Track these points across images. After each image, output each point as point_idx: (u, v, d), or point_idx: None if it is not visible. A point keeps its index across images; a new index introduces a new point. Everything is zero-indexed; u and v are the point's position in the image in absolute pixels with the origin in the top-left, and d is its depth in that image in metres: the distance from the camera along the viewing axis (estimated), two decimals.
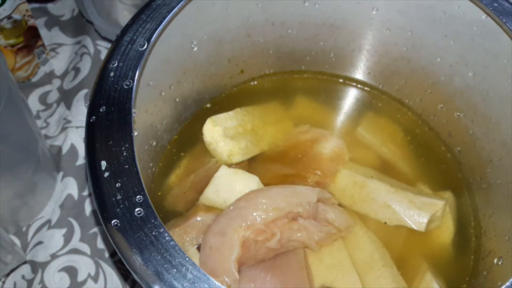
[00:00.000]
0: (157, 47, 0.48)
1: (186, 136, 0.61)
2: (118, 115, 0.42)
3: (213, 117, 0.57)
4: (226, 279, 0.44)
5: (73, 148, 0.68)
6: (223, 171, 0.53)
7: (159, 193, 0.56)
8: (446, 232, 0.56)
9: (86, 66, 0.76)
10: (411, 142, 0.63)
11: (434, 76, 0.61)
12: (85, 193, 0.65)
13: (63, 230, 0.62)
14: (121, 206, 0.38)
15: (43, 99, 0.74)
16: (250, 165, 0.58)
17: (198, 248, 0.50)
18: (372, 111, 0.66)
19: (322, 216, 0.51)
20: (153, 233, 0.37)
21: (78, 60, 0.76)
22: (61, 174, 0.66)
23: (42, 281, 0.59)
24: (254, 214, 0.47)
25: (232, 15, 0.58)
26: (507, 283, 0.38)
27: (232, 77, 0.65)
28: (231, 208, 0.49)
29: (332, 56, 0.66)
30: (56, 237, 0.61)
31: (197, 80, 0.60)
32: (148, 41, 0.46)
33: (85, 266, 0.60)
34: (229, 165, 0.55)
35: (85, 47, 0.78)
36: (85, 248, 0.61)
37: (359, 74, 0.67)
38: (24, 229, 0.62)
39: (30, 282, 0.59)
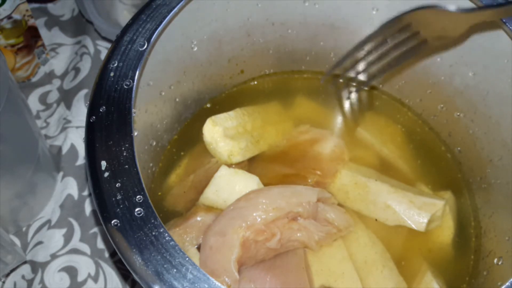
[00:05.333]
0: (157, 47, 0.48)
1: (186, 136, 0.61)
2: (118, 115, 0.42)
3: (213, 117, 0.57)
4: (226, 279, 0.44)
5: (73, 148, 0.68)
6: (223, 171, 0.53)
7: (159, 193, 0.56)
8: (446, 232, 0.56)
9: (86, 66, 0.76)
10: (411, 142, 0.63)
11: (434, 76, 0.61)
12: (85, 193, 0.65)
13: (63, 230, 0.62)
14: (121, 206, 0.38)
15: (43, 99, 0.74)
16: (250, 165, 0.58)
17: (198, 248, 0.50)
18: (372, 111, 0.66)
19: (322, 216, 0.51)
20: (153, 233, 0.37)
21: (78, 60, 0.76)
22: (61, 174, 0.66)
23: (42, 281, 0.59)
24: (254, 214, 0.47)
25: (232, 15, 0.58)
26: (507, 283, 0.38)
27: (232, 77, 0.65)
28: (231, 208, 0.49)
29: (332, 56, 0.66)
30: (56, 237, 0.61)
31: (197, 80, 0.60)
32: (148, 41, 0.46)
33: (85, 266, 0.60)
34: (229, 165, 0.55)
35: (85, 47, 0.78)
36: (85, 248, 0.61)
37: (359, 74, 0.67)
38: (24, 229, 0.62)
39: (30, 282, 0.59)
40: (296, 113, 0.65)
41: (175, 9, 0.49)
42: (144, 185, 0.39)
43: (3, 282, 0.59)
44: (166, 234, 0.37)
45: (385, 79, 0.66)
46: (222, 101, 0.65)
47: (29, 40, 0.72)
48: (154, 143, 0.56)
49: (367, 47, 0.60)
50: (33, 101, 0.73)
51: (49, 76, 0.76)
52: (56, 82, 0.75)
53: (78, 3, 0.78)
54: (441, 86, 0.61)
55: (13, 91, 0.53)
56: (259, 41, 0.63)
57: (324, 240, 0.51)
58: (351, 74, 0.67)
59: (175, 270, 0.35)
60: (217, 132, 0.56)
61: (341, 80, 0.68)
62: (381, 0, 0.58)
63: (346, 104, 0.67)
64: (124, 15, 0.79)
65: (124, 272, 0.60)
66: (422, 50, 0.52)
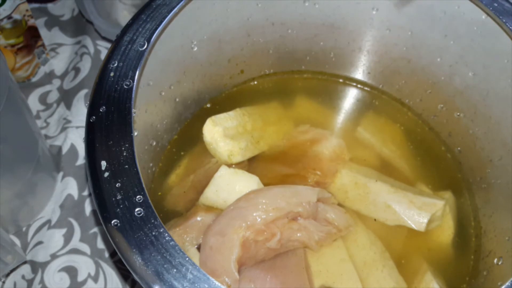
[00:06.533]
0: (157, 47, 0.48)
1: (186, 136, 0.61)
2: (118, 115, 0.42)
3: (213, 117, 0.57)
4: (226, 279, 0.44)
5: (73, 148, 0.68)
6: (223, 171, 0.53)
7: (159, 193, 0.56)
8: (446, 232, 0.56)
9: (86, 66, 0.76)
10: (411, 142, 0.63)
11: (434, 76, 0.61)
12: (85, 193, 0.65)
13: (63, 230, 0.62)
14: (121, 206, 0.38)
15: (43, 99, 0.74)
16: (250, 165, 0.58)
17: (198, 248, 0.50)
18: (372, 111, 0.66)
19: (322, 215, 0.51)
20: (153, 233, 0.37)
21: (78, 60, 0.76)
22: (61, 174, 0.66)
23: (42, 281, 0.59)
24: (254, 214, 0.47)
25: (232, 15, 0.58)
26: (507, 283, 0.38)
27: (232, 77, 0.65)
28: (231, 208, 0.49)
29: (332, 56, 0.66)
30: (56, 237, 0.61)
31: (197, 80, 0.60)
32: (148, 41, 0.46)
33: (85, 266, 0.60)
34: (229, 165, 0.55)
35: (85, 47, 0.78)
36: (85, 248, 0.61)
37: (359, 74, 0.67)
38: (24, 229, 0.62)
39: (30, 282, 0.59)
40: (296, 113, 0.65)
41: (175, 9, 0.49)
42: (144, 185, 0.39)
43: (3, 282, 0.59)
44: (166, 234, 0.37)
45: (385, 79, 0.66)
46: (222, 101, 0.65)
47: (29, 40, 0.72)
48: (154, 143, 0.56)
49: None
50: (33, 101, 0.73)
51: (49, 76, 0.76)
52: (56, 82, 0.75)
53: (78, 3, 0.78)
54: (441, 86, 0.61)
55: (13, 91, 0.53)
56: (259, 41, 0.63)
57: (324, 240, 0.51)
58: (351, 73, 0.67)
59: (175, 270, 0.35)
60: (217, 132, 0.56)
61: (341, 80, 0.68)
62: (381, 0, 0.58)
63: (346, 104, 0.67)
64: (124, 15, 0.79)
65: (124, 272, 0.60)
66: None
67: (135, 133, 0.42)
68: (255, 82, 0.67)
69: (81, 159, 0.67)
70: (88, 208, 0.64)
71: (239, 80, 0.66)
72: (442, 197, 0.57)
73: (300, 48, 0.66)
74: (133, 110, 0.43)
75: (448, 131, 0.62)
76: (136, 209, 0.37)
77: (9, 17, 0.67)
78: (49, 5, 0.83)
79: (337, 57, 0.66)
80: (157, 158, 0.58)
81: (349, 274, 0.50)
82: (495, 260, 0.51)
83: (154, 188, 0.57)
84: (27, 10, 0.69)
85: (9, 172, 0.56)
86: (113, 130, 0.41)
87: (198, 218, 0.51)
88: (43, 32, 0.79)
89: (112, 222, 0.37)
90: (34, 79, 0.75)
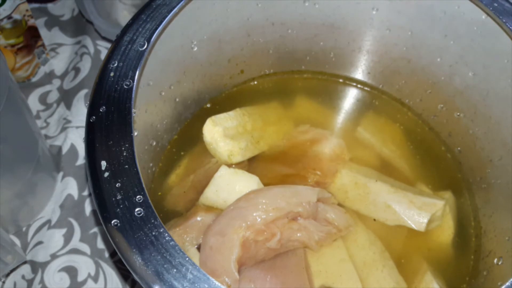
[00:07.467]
0: (157, 47, 0.48)
1: (186, 136, 0.61)
2: (118, 115, 0.42)
3: (213, 117, 0.57)
4: (226, 279, 0.44)
5: (73, 148, 0.68)
6: (223, 171, 0.53)
7: (159, 193, 0.56)
8: (446, 232, 0.56)
9: (86, 66, 0.76)
10: (411, 142, 0.63)
11: (434, 76, 0.61)
12: (85, 193, 0.65)
13: (63, 230, 0.62)
14: (121, 206, 0.38)
15: (43, 99, 0.74)
16: (250, 165, 0.58)
17: (198, 248, 0.50)
18: (372, 111, 0.66)
19: (322, 215, 0.51)
20: (153, 233, 0.37)
21: (78, 60, 0.76)
22: (61, 174, 0.66)
23: (42, 281, 0.59)
24: (254, 214, 0.47)
25: (232, 15, 0.58)
26: (507, 283, 0.38)
27: (232, 77, 0.65)
28: (231, 208, 0.49)
29: (332, 56, 0.66)
30: (56, 237, 0.61)
31: (197, 80, 0.60)
32: (148, 41, 0.46)
33: (85, 266, 0.60)
34: (229, 165, 0.55)
35: (85, 47, 0.78)
36: (85, 248, 0.61)
37: (359, 74, 0.67)
38: (24, 229, 0.62)
39: (30, 282, 0.59)
40: (296, 113, 0.65)
41: (175, 9, 0.49)
42: (144, 185, 0.39)
43: (3, 282, 0.59)
44: (166, 234, 0.37)
45: (385, 79, 0.66)
46: (222, 101, 0.65)
47: (29, 40, 0.72)
48: (154, 143, 0.56)
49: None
50: (33, 101, 0.73)
51: (49, 76, 0.76)
52: (56, 82, 0.75)
53: (78, 3, 0.78)
54: (441, 86, 0.61)
55: (13, 91, 0.53)
56: (259, 41, 0.63)
57: (324, 240, 0.51)
58: (351, 73, 0.67)
59: (175, 270, 0.35)
60: (217, 132, 0.56)
61: (341, 80, 0.68)
62: (381, 0, 0.58)
63: (346, 104, 0.67)
64: (124, 15, 0.79)
65: (124, 272, 0.60)
66: None
67: (135, 133, 0.42)
68: (255, 82, 0.68)
69: (81, 159, 0.68)
70: (88, 208, 0.64)
71: (239, 80, 0.66)
72: (442, 197, 0.57)
73: (300, 48, 0.66)
74: (133, 110, 0.43)
75: (448, 131, 0.62)
76: (136, 209, 0.38)
77: (9, 17, 0.67)
78: (49, 5, 0.83)
79: (337, 57, 0.66)
80: (157, 158, 0.58)
81: (349, 274, 0.50)
82: (495, 260, 0.51)
83: (154, 188, 0.57)
84: (27, 10, 0.69)
85: (9, 172, 0.56)
86: (113, 130, 0.41)
87: (198, 218, 0.51)
88: (43, 32, 0.79)
89: (112, 222, 0.37)
90: (34, 79, 0.75)
